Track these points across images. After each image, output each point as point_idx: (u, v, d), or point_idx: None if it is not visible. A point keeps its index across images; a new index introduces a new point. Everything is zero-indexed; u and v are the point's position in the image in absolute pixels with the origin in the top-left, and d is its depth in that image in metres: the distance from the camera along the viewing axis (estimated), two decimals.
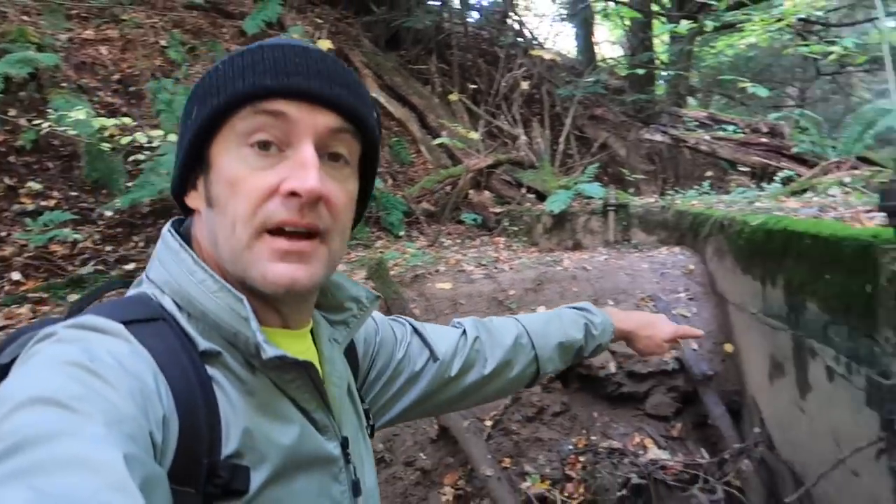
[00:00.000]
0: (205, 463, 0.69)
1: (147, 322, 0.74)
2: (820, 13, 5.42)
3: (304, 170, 0.75)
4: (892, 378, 2.15)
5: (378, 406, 1.10)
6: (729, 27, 6.56)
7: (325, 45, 7.33)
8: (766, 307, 3.51)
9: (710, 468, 3.61)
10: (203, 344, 0.76)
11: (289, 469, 0.77)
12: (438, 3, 11.31)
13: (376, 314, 1.13)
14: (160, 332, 0.74)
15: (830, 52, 5.21)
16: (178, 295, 0.78)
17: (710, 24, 5.18)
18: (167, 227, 0.84)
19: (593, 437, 3.80)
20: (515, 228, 6.58)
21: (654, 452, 3.73)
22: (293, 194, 0.75)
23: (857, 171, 4.70)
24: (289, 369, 0.79)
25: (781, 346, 3.35)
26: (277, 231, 0.76)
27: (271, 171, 0.76)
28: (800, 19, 6.21)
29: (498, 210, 6.84)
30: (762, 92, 5.01)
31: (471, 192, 7.05)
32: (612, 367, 3.97)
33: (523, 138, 7.78)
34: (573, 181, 6.63)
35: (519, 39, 10.33)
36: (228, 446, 0.72)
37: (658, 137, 7.53)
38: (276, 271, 0.76)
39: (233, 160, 0.77)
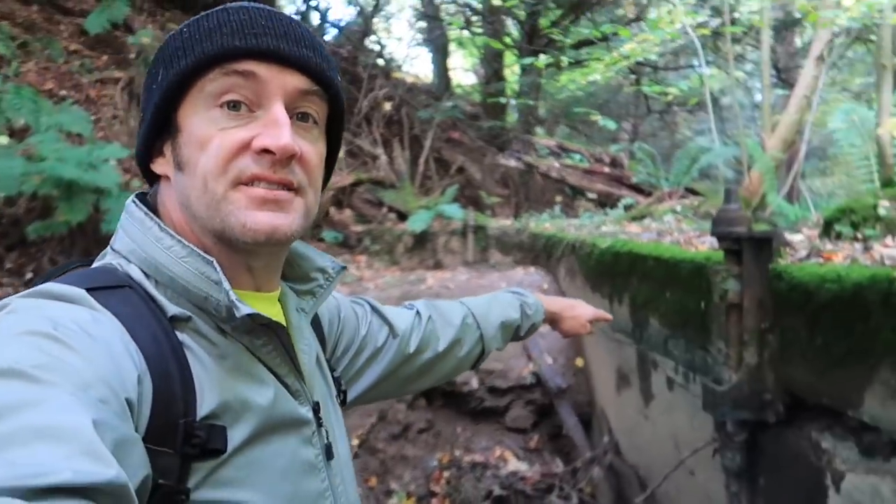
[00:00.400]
0: (181, 423, 0.69)
1: (113, 289, 0.73)
2: (654, 56, 6.01)
3: (276, 128, 0.75)
4: (723, 384, 2.42)
5: (346, 379, 1.12)
6: (578, 63, 7.09)
7: None
8: (614, 323, 3.80)
9: (565, 476, 3.82)
10: (172, 309, 0.75)
11: (265, 430, 0.77)
12: (297, 18, 11.18)
13: (337, 294, 1.14)
14: (127, 298, 0.73)
15: (667, 93, 5.79)
16: (145, 263, 0.77)
17: (565, 60, 5.57)
18: (131, 198, 0.83)
19: (457, 452, 3.89)
20: (377, 247, 6.61)
21: (514, 464, 3.89)
22: (266, 151, 0.75)
23: (686, 201, 5.25)
24: (260, 333, 0.79)
25: (627, 360, 3.65)
26: (251, 183, 0.77)
27: (243, 129, 0.76)
28: (637, 62, 6.84)
29: (359, 229, 6.85)
30: (610, 124, 5.47)
31: (332, 210, 7.00)
32: (475, 383, 4.10)
33: (384, 158, 7.87)
34: (434, 202, 6.80)
35: (379, 61, 10.45)
36: (204, 407, 0.72)
37: (513, 163, 7.92)
38: (256, 219, 0.76)
39: (202, 121, 0.77)
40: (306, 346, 0.90)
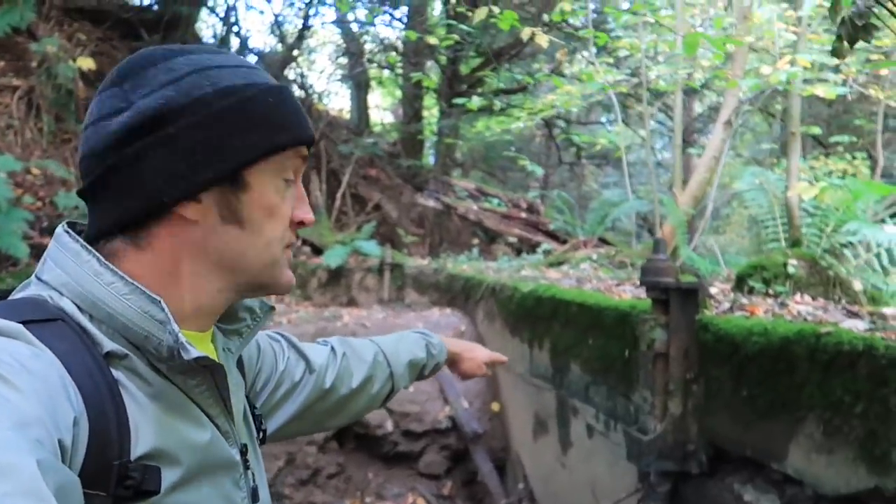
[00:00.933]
0: (115, 465, 0.68)
1: (45, 322, 0.70)
2: (575, 109, 6.24)
3: (305, 203, 0.89)
4: (649, 434, 2.43)
5: (263, 414, 1.12)
6: (501, 111, 7.25)
7: (86, 63, 6.61)
8: (533, 368, 3.80)
9: None
10: (108, 345, 0.73)
11: (199, 472, 0.77)
12: (215, 42, 10.90)
13: None
14: (61, 332, 0.71)
15: (595, 143, 5.99)
16: (80, 297, 0.75)
17: (497, 104, 5.67)
18: (61, 227, 0.79)
19: (368, 499, 3.72)
20: None
21: None
22: (301, 223, 0.87)
23: (601, 249, 5.39)
24: (195, 374, 0.78)
25: (546, 405, 3.64)
26: (288, 247, 0.88)
27: (290, 202, 0.86)
28: (556, 115, 7.07)
29: None
30: (538, 170, 5.58)
31: None
32: (390, 426, 3.96)
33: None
34: (350, 237, 6.67)
35: (299, 92, 10.30)
36: (139, 448, 0.71)
37: (431, 203, 7.93)
38: (290, 276, 0.89)
39: (271, 189, 0.83)
40: (234, 387, 0.88)
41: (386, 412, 4.00)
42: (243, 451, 0.87)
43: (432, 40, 4.90)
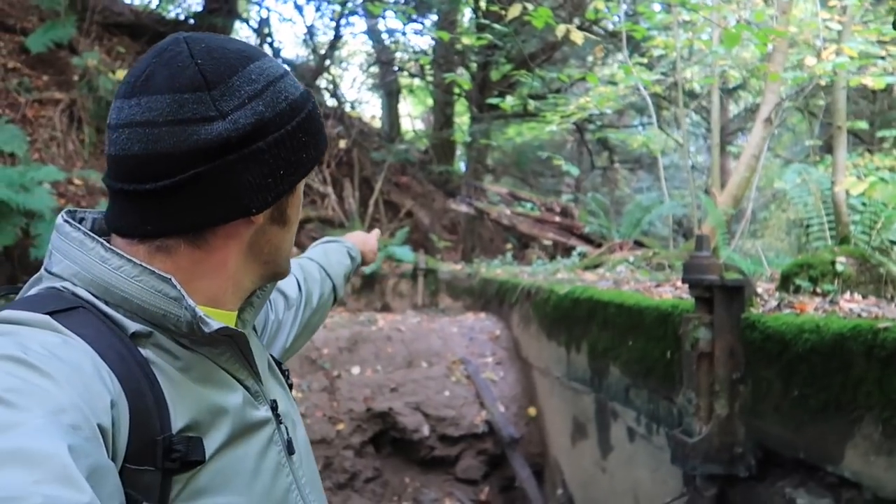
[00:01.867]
0: (160, 440, 0.70)
1: (67, 311, 0.71)
2: (608, 111, 6.17)
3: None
4: (694, 436, 2.36)
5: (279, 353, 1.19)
6: (532, 115, 7.20)
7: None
8: (571, 371, 3.74)
9: None
10: (132, 326, 0.74)
11: (236, 434, 0.79)
12: None
13: None
14: (85, 319, 0.72)
15: (631, 144, 5.88)
16: (92, 285, 0.75)
17: (531, 104, 5.63)
18: (62, 217, 0.79)
19: None
20: None
21: None
22: None
23: (637, 252, 5.30)
24: (219, 343, 0.80)
25: (584, 409, 3.57)
26: None
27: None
28: (587, 119, 7.00)
29: None
30: (573, 170, 5.52)
31: None
32: (426, 431, 3.94)
33: (333, 197, 7.74)
34: (384, 244, 6.67)
35: (332, 101, 10.40)
36: (178, 421, 0.73)
37: (464, 208, 7.91)
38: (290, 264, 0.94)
39: (300, 190, 0.89)
40: (258, 350, 0.92)
41: (422, 416, 3.98)
42: (273, 407, 0.89)
43: (466, 40, 4.87)
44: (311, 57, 12.10)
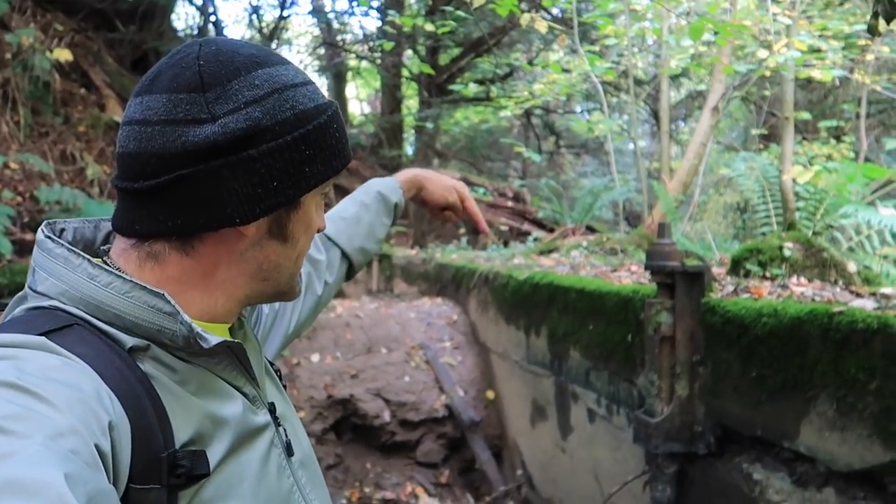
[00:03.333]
0: (164, 457, 0.69)
1: (62, 330, 0.70)
2: (563, 98, 6.25)
3: (322, 211, 0.91)
4: (655, 416, 2.45)
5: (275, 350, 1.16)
6: (484, 99, 7.24)
7: (63, 55, 6.47)
8: (530, 355, 3.81)
9: None
10: (129, 340, 0.73)
11: (238, 443, 0.79)
12: (195, 31, 10.74)
13: None
14: (81, 337, 0.70)
15: (592, 129, 6.00)
16: (81, 304, 0.73)
17: (494, 90, 5.66)
18: (42, 232, 0.77)
19: (367, 489, 3.72)
20: None
21: (426, 500, 3.77)
22: (318, 230, 0.90)
23: (590, 237, 5.42)
24: (215, 354, 0.79)
25: (544, 392, 3.65)
26: None
27: (319, 213, 0.90)
28: (535, 105, 7.09)
29: None
30: (535, 156, 5.58)
31: None
32: (387, 417, 3.96)
33: None
34: None
35: None
36: (181, 435, 0.72)
37: None
38: (299, 285, 0.93)
39: (311, 206, 0.86)
40: (254, 353, 0.90)
41: (383, 402, 4.00)
42: (272, 410, 0.89)
43: (429, 27, 4.84)
44: (257, 37, 11.81)
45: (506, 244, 6.65)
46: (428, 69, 6.55)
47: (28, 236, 5.04)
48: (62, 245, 0.75)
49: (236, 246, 0.80)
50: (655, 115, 11.58)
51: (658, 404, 2.48)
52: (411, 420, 4.03)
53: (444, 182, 1.42)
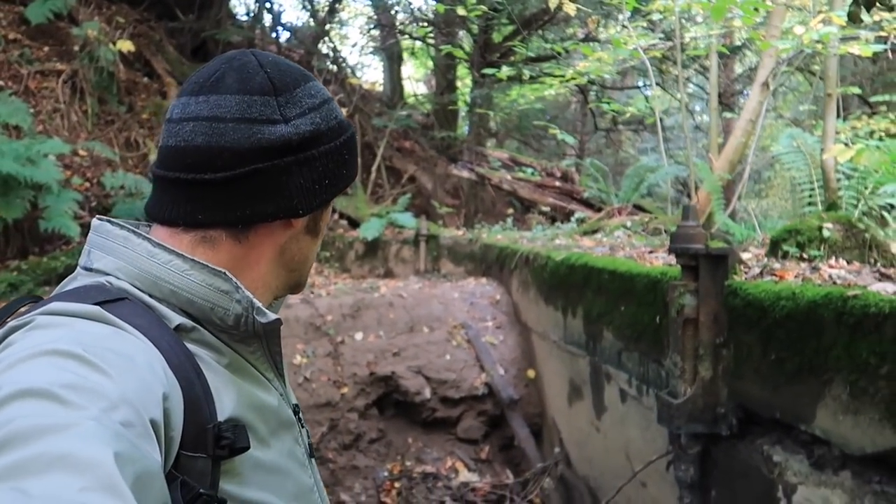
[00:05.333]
0: (210, 428, 0.72)
1: (116, 302, 0.73)
2: (607, 76, 6.17)
3: None
4: (679, 398, 2.47)
5: None
6: (532, 79, 7.21)
7: (126, 46, 6.77)
8: (567, 335, 3.85)
9: (515, 488, 3.83)
10: (176, 319, 0.77)
11: (270, 433, 0.82)
12: (248, 19, 11.00)
13: None
14: (134, 309, 0.73)
15: (624, 112, 5.93)
16: (138, 279, 0.77)
17: (526, 73, 5.65)
18: (97, 219, 0.83)
19: (408, 463, 3.85)
20: (327, 254, 6.52)
21: (465, 475, 3.88)
22: None
23: (636, 217, 5.38)
24: (251, 341, 0.83)
25: (580, 371, 3.70)
26: None
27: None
28: (589, 81, 7.00)
29: None
30: (569, 139, 5.56)
31: None
32: (428, 393, 4.07)
33: None
34: (386, 210, 6.76)
35: (333, 66, 10.36)
36: (224, 412, 0.75)
37: (465, 174, 7.96)
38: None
39: (331, 206, 0.95)
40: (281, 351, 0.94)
41: (424, 379, 4.12)
42: (296, 411, 0.93)
43: (461, 11, 4.87)
44: (312, 21, 12.00)
45: (553, 223, 6.64)
46: (460, 53, 6.52)
47: None
48: (123, 227, 0.80)
49: (281, 238, 0.87)
50: (718, 91, 11.23)
51: (682, 385, 2.50)
52: (452, 397, 4.13)
53: None
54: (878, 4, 1.22)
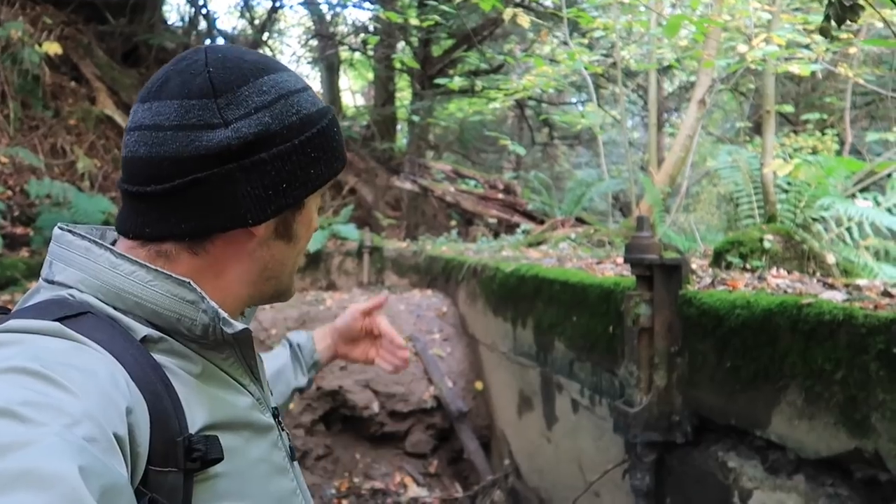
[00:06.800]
0: (180, 441, 0.70)
1: (77, 317, 0.71)
2: (551, 90, 6.29)
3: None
4: (635, 407, 2.49)
5: None
6: (475, 92, 7.28)
7: (52, 48, 6.45)
8: (517, 347, 3.85)
9: (464, 501, 3.79)
10: (142, 330, 0.75)
11: (245, 439, 0.81)
12: (183, 24, 10.71)
13: None
14: (96, 324, 0.71)
15: (578, 123, 6.04)
16: (100, 291, 0.75)
17: (479, 84, 5.69)
18: (59, 228, 0.79)
19: (356, 480, 3.77)
20: None
21: (414, 490, 3.82)
22: (315, 230, 0.93)
23: (579, 229, 5.47)
24: (223, 348, 0.81)
25: (530, 382, 3.70)
26: None
27: (316, 213, 0.93)
28: (529, 96, 7.12)
29: None
30: (520, 150, 5.62)
31: None
32: (376, 407, 4.00)
33: None
34: (328, 221, 6.65)
35: None
36: (195, 423, 0.73)
37: (408, 186, 7.93)
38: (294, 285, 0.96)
39: (313, 206, 0.89)
40: (259, 357, 0.92)
41: (372, 393, 4.04)
42: (275, 415, 0.90)
43: (413, 21, 4.87)
44: (249, 29, 11.78)
45: (496, 236, 6.69)
46: (413, 63, 6.55)
47: (18, 230, 5.06)
48: (84, 237, 0.76)
49: (245, 246, 0.82)
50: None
51: (637, 394, 2.52)
52: (400, 411, 4.07)
53: (346, 322, 1.42)
54: (848, 21, 1.27)
